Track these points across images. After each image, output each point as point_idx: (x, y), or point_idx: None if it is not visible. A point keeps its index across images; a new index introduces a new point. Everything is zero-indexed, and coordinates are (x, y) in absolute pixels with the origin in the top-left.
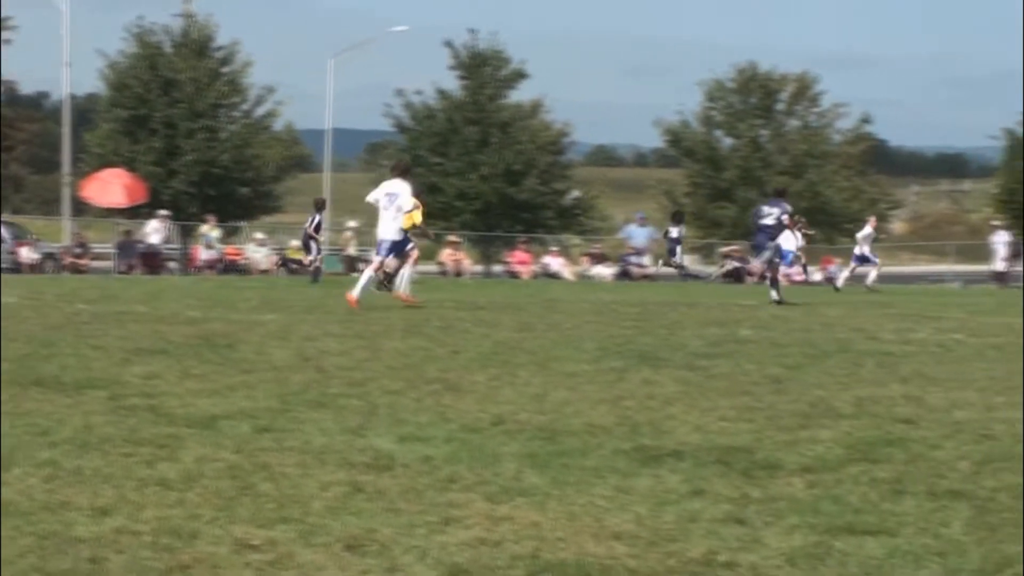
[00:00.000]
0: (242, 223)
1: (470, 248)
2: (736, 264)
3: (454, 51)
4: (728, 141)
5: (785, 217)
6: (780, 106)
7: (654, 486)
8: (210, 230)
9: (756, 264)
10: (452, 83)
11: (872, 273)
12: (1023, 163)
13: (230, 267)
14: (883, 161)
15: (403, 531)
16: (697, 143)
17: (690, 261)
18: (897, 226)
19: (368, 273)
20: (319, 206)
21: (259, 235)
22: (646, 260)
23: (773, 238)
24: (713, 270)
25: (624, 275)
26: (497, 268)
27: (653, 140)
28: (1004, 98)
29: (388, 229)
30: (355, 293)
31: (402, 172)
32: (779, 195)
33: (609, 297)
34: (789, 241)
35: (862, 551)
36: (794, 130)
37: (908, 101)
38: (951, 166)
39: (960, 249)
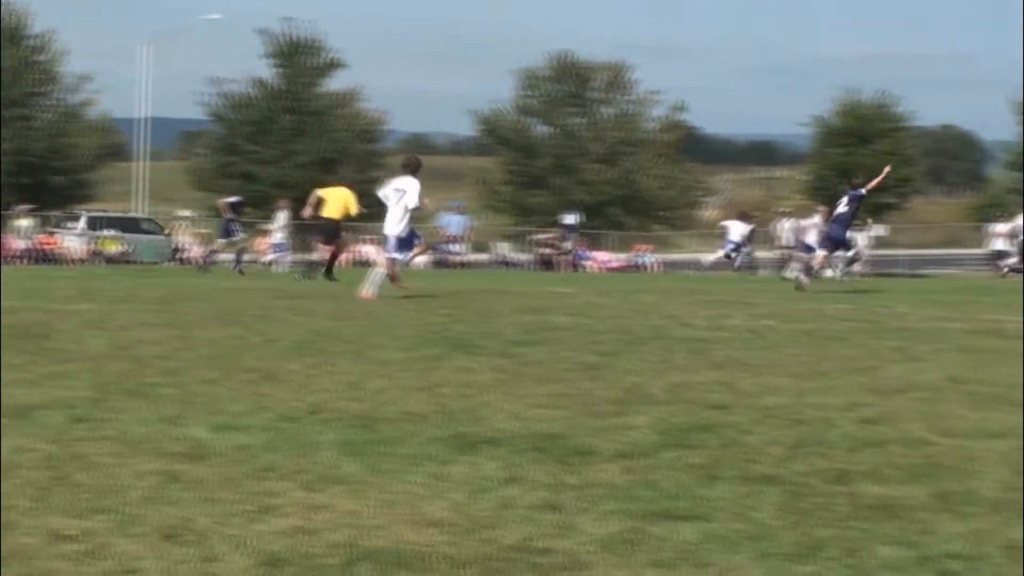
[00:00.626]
0: (57, 212)
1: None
2: (549, 251)
3: (269, 39)
4: (543, 129)
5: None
6: (594, 94)
7: (470, 473)
8: (22, 219)
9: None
10: (269, 71)
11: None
12: (832, 150)
13: (44, 257)
14: (697, 149)
15: (220, 520)
16: (512, 131)
17: (508, 249)
18: (711, 213)
19: (379, 270)
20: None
21: (74, 224)
22: (462, 248)
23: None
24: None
25: (440, 263)
26: (314, 257)
27: (469, 128)
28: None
29: (394, 225)
30: (369, 291)
31: (412, 169)
32: None
33: (424, 285)
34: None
35: (676, 536)
36: (608, 118)
37: (720, 89)
38: (763, 153)
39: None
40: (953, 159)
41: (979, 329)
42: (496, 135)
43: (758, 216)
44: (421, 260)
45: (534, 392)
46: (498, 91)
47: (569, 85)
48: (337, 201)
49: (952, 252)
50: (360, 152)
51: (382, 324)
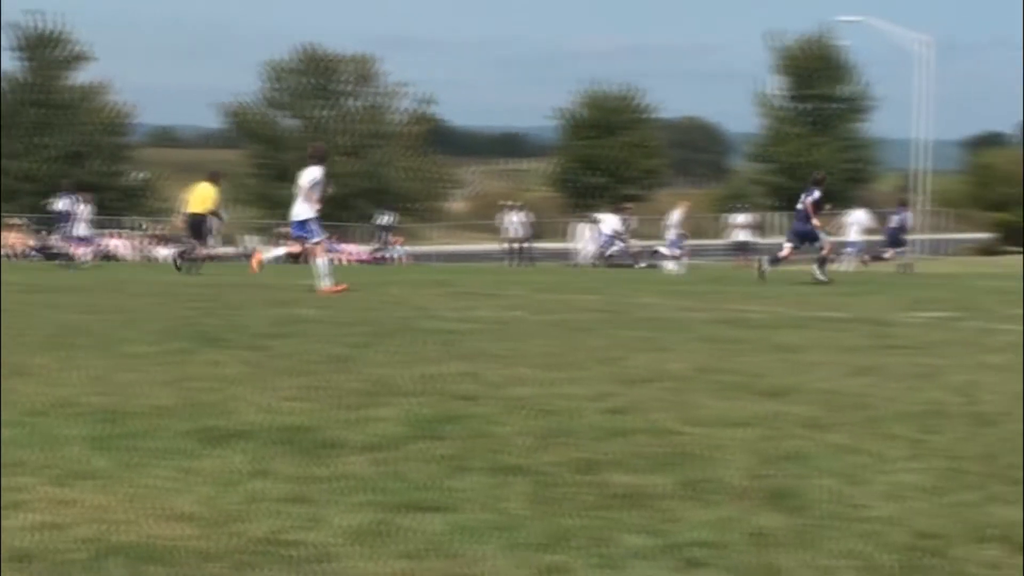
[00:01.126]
0: None
1: (31, 230)
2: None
3: (14, 32)
4: (290, 122)
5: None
6: (341, 87)
7: (219, 467)
8: None
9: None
10: (14, 64)
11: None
12: (578, 142)
13: None
14: (444, 141)
15: None
16: (258, 124)
17: (256, 242)
18: (457, 205)
19: (319, 261)
20: None
21: None
22: (212, 241)
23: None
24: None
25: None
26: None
27: (215, 121)
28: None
29: (298, 211)
30: (323, 284)
31: (318, 158)
32: None
33: (173, 279)
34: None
35: (425, 527)
36: (355, 111)
37: (466, 82)
38: (509, 146)
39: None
40: (697, 151)
41: (723, 319)
42: (243, 128)
43: (631, 208)
44: (169, 253)
45: (283, 385)
46: (247, 84)
47: (316, 78)
48: (198, 197)
49: (698, 243)
50: (108, 145)
51: (132, 318)
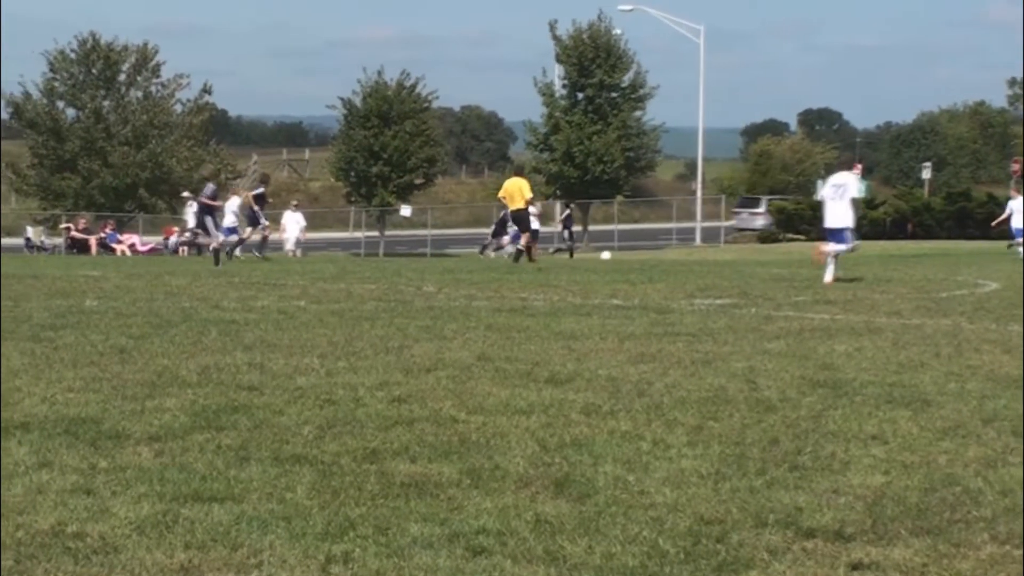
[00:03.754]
0: None
1: None
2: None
3: None
4: (71, 112)
5: None
6: (122, 77)
7: (2, 459)
8: None
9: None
10: None
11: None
12: (359, 132)
13: None
14: (225, 131)
15: None
16: (39, 114)
17: (35, 234)
18: (241, 195)
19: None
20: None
21: None
22: None
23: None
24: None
25: None
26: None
27: None
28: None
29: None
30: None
31: None
32: None
33: None
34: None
35: (209, 518)
36: (136, 101)
37: (245, 72)
38: (290, 135)
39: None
40: (477, 140)
41: (505, 307)
42: (24, 118)
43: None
44: None
45: (65, 376)
46: (25, 74)
47: (96, 68)
48: None
49: (478, 232)
50: None
51: None
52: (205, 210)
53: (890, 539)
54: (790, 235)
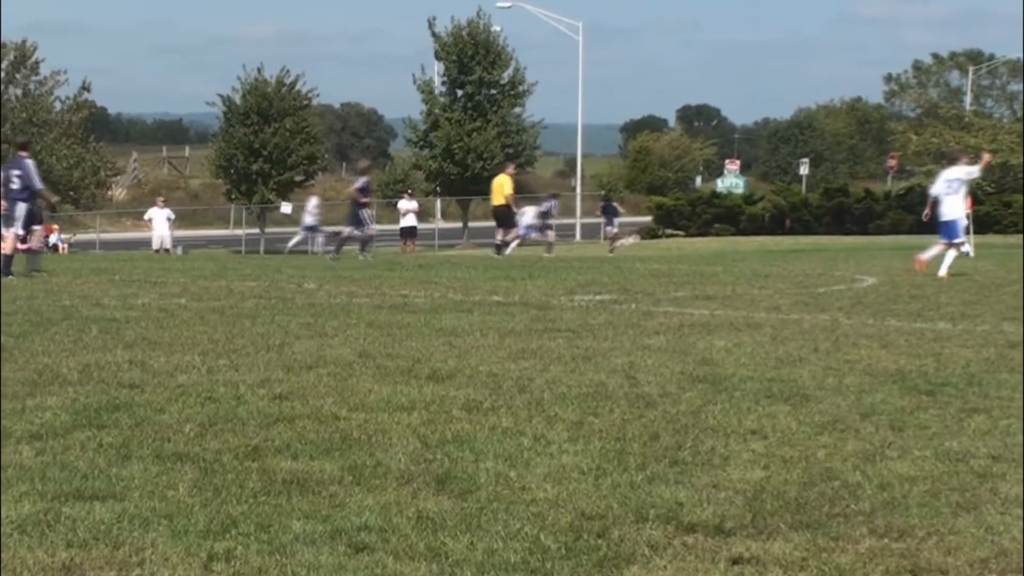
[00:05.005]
0: None
1: None
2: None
3: None
4: None
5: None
6: (1, 74)
7: None
8: None
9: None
10: None
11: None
12: (240, 129)
13: None
14: (104, 129)
15: None
16: None
17: None
18: (119, 192)
19: None
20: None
21: None
22: None
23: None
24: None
25: None
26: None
27: None
28: (220, 65)
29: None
30: None
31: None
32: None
33: None
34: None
35: (91, 516)
36: (15, 98)
37: (123, 69)
38: (170, 133)
39: (182, 215)
40: (357, 137)
41: (386, 304)
42: None
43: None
44: None
45: None
46: None
47: None
48: None
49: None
50: None
51: None
52: (358, 204)
53: (770, 533)
54: (670, 231)
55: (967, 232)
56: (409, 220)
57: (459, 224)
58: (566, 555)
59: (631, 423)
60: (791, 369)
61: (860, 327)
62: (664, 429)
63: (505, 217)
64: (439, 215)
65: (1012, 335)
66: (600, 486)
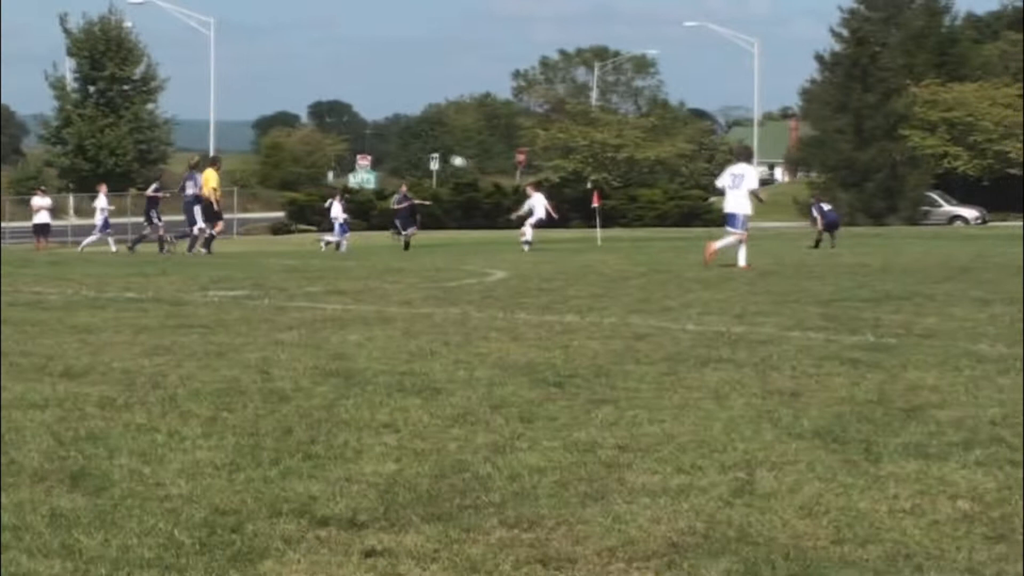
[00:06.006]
0: None
1: None
2: None
3: None
4: None
5: None
6: None
7: None
8: None
9: None
10: None
11: None
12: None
13: None
14: None
15: None
16: None
17: None
18: None
19: None
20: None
21: None
22: None
23: None
24: None
25: None
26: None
27: None
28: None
29: None
30: None
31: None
32: None
33: None
34: None
35: None
36: None
37: None
38: None
39: None
40: None
41: (20, 301)
42: None
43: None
44: None
45: None
46: None
47: None
48: None
49: None
50: None
51: None
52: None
53: (402, 526)
54: (302, 226)
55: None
56: (42, 217)
57: (92, 220)
58: (200, 550)
59: (265, 418)
60: (423, 363)
61: (490, 320)
62: (297, 424)
63: (209, 211)
64: (72, 212)
65: (638, 327)
66: (234, 481)
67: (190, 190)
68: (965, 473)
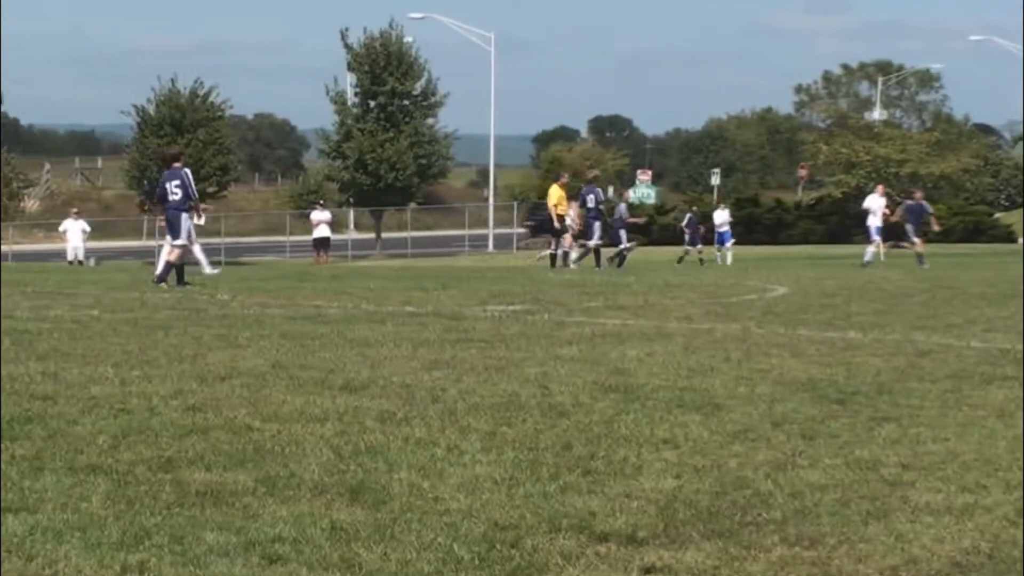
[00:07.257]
0: None
1: None
2: None
3: None
4: None
5: None
6: None
7: None
8: None
9: None
10: None
11: None
12: (153, 140)
13: None
14: (15, 140)
15: None
16: None
17: None
18: (31, 204)
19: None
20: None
21: None
22: None
23: None
24: None
25: None
26: None
27: None
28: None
29: None
30: None
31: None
32: None
33: None
34: None
35: (3, 529)
36: None
37: (35, 79)
38: (83, 144)
39: (95, 226)
40: (270, 147)
41: (299, 315)
42: None
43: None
44: None
45: None
46: None
47: None
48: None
49: (271, 240)
50: None
51: None
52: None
53: (682, 542)
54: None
55: None
56: (322, 231)
57: (372, 235)
58: (479, 565)
59: (544, 433)
60: (703, 379)
61: (771, 336)
62: (577, 439)
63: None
64: (352, 226)
65: (921, 344)
66: (513, 496)
67: (590, 204)
68: None
